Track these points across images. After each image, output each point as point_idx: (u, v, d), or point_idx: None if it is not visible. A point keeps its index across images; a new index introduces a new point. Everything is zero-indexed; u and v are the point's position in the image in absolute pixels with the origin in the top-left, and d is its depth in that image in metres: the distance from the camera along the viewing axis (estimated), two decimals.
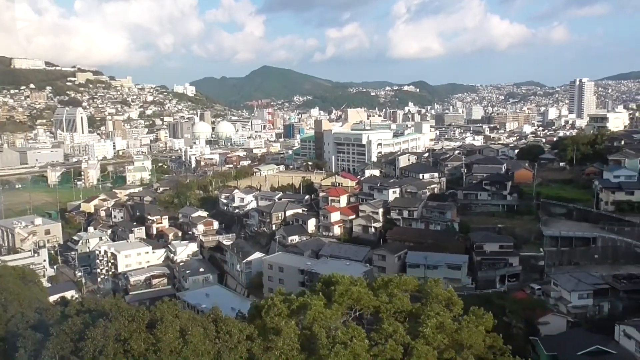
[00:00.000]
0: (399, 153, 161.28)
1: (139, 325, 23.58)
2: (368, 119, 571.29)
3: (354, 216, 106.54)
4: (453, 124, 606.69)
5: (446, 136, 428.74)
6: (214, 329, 24.24)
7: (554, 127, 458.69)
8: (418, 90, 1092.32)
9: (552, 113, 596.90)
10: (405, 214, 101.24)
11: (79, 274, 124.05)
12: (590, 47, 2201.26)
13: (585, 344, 61.62)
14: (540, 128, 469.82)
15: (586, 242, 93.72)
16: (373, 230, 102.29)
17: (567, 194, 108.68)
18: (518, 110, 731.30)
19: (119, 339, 23.78)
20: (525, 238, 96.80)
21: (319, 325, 26.40)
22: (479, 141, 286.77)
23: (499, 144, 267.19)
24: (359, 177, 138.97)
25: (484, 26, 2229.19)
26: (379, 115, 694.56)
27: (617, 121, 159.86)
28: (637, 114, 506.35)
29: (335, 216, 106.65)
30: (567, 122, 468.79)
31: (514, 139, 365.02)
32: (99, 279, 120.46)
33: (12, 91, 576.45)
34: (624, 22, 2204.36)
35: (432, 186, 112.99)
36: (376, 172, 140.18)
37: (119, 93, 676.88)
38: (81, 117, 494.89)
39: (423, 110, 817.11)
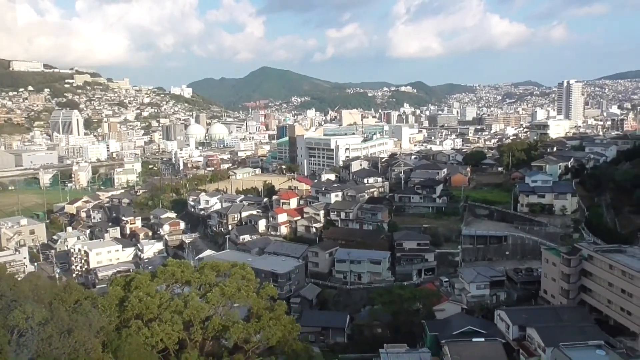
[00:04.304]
0: (357, 158, 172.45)
1: None
2: (362, 120, 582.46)
3: (299, 217, 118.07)
4: (446, 124, 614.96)
5: (433, 138, 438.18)
6: (62, 290, 36.13)
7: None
8: (415, 90, 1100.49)
9: (541, 114, 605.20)
10: (343, 215, 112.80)
11: (57, 270, 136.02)
12: (588, 47, 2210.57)
13: (461, 325, 73.10)
14: (525, 130, 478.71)
15: (499, 240, 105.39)
16: (314, 230, 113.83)
17: (492, 196, 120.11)
18: (511, 111, 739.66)
19: None
20: (448, 237, 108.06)
21: (138, 290, 38.44)
22: (440, 146, 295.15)
23: (474, 147, 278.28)
24: (316, 180, 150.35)
25: (483, 26, 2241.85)
26: (373, 117, 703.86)
27: (558, 128, 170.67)
28: (631, 114, 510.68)
29: (282, 217, 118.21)
30: None
31: (495, 140, 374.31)
32: (74, 275, 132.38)
33: (10, 93, 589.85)
34: (622, 22, 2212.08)
35: (372, 190, 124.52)
36: (332, 177, 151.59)
37: (116, 95, 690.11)
38: (77, 120, 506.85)
39: (418, 111, 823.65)
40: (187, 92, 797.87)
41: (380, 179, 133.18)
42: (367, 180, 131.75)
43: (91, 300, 35.77)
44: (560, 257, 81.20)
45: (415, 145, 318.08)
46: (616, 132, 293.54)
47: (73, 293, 35.78)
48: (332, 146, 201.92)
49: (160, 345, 35.06)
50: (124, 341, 31.36)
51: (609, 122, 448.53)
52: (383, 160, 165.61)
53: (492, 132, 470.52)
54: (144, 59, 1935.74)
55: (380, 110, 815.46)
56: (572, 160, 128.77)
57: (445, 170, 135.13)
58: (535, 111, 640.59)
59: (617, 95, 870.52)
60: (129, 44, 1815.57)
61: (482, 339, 69.30)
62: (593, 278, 76.56)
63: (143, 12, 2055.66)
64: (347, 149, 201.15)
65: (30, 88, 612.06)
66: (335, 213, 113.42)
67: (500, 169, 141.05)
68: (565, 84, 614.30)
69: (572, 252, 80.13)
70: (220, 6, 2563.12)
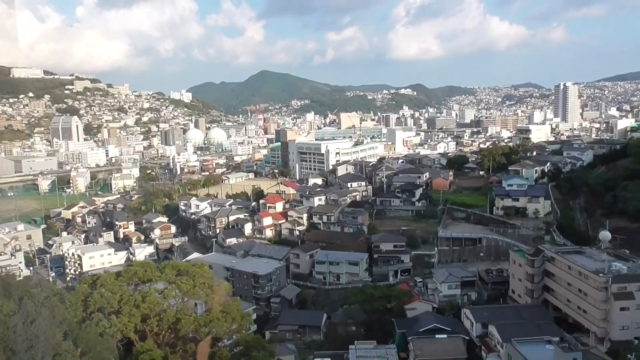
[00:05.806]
0: (347, 162, 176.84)
1: None
2: (361, 123, 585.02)
3: (283, 220, 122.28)
4: (444, 127, 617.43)
5: (429, 141, 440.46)
6: (34, 287, 40.64)
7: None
8: (415, 93, 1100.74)
9: (538, 116, 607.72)
10: (325, 218, 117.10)
11: (52, 274, 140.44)
12: (587, 48, 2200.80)
13: (428, 323, 77.13)
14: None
15: (474, 242, 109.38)
16: (297, 232, 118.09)
17: (471, 200, 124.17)
18: (510, 113, 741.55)
19: None
20: (425, 239, 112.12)
21: (102, 288, 43.01)
22: (428, 150, 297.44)
23: (466, 150, 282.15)
24: (303, 185, 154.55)
25: (482, 27, 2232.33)
26: (372, 120, 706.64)
27: (540, 133, 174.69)
28: (628, 116, 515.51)
29: (267, 220, 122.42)
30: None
31: (490, 143, 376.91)
32: (68, 278, 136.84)
33: (11, 100, 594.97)
34: (621, 23, 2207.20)
35: (355, 194, 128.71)
36: (318, 181, 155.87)
37: (116, 100, 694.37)
38: (76, 125, 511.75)
39: (417, 114, 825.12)
40: (187, 97, 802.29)
41: (364, 183, 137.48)
42: (351, 185, 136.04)
43: (59, 296, 40.18)
44: (525, 258, 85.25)
45: (409, 148, 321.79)
46: (609, 135, 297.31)
47: (43, 290, 40.16)
48: (323, 151, 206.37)
49: (119, 335, 39.57)
50: (83, 331, 35.65)
51: (604, 125, 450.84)
52: (370, 164, 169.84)
53: (487, 134, 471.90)
54: (143, 64, 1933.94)
55: (379, 113, 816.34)
56: (548, 164, 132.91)
57: (427, 174, 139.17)
58: (533, 113, 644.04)
59: (616, 97, 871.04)
60: (129, 49, 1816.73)
61: (445, 336, 73.46)
62: (554, 278, 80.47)
63: (143, 17, 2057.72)
64: (337, 153, 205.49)
65: (30, 94, 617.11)
66: (318, 216, 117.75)
67: (481, 172, 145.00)
68: (562, 86, 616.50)
69: (535, 254, 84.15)
70: (220, 11, 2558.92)
